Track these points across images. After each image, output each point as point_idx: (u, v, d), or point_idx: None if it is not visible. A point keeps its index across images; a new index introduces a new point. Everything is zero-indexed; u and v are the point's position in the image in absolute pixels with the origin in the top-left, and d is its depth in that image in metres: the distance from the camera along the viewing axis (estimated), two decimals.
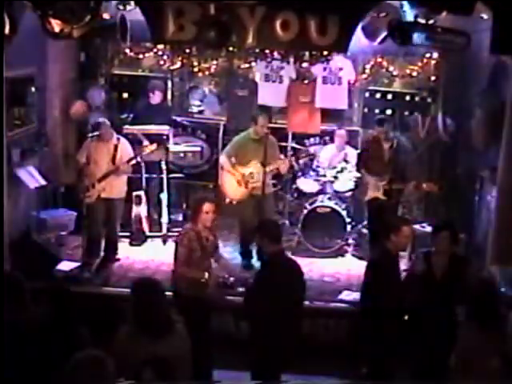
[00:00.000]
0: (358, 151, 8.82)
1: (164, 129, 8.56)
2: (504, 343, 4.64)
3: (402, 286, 5.76)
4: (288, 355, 5.45)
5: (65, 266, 7.66)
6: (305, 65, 8.83)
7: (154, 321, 4.32)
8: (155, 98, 8.95)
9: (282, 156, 8.21)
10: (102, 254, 7.88)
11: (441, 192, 8.10)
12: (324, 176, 8.72)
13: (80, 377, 3.41)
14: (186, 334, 4.46)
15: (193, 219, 5.96)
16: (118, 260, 8.04)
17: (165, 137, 8.51)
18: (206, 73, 9.47)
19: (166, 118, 9.01)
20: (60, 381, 3.49)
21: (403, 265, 6.52)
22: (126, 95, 9.70)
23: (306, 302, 7.10)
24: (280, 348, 5.35)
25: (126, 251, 8.29)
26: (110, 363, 3.51)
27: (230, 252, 8.15)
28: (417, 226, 8.39)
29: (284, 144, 9.02)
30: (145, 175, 8.56)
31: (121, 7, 7.29)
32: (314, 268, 8.10)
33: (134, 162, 7.86)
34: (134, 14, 7.33)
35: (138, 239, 8.57)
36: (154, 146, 8.05)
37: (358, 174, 8.40)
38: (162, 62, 9.31)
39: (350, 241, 8.69)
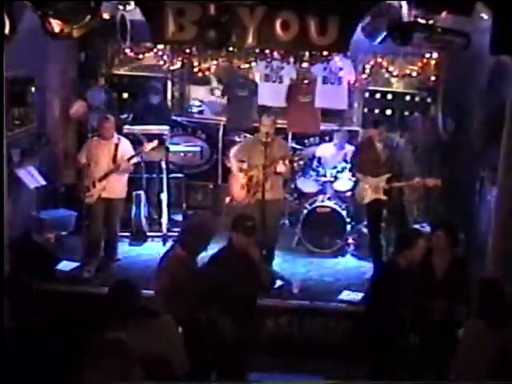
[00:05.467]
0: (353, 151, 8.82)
1: (164, 129, 8.56)
2: (507, 343, 4.64)
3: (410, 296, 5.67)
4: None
5: (65, 266, 7.68)
6: (305, 65, 8.85)
7: (133, 313, 4.32)
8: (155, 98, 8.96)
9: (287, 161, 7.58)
10: (101, 254, 7.88)
11: (443, 188, 8.06)
12: (324, 176, 8.72)
13: (105, 357, 3.46)
14: (174, 322, 4.47)
15: None
16: (118, 260, 8.04)
17: (165, 137, 8.52)
18: (206, 73, 9.48)
19: (166, 118, 9.00)
20: (85, 361, 3.51)
21: None
22: (125, 95, 9.72)
23: (306, 302, 7.21)
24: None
25: (125, 251, 8.29)
26: (131, 345, 3.54)
27: None
28: (417, 226, 8.41)
29: None
30: (145, 175, 8.56)
31: (121, 7, 7.30)
32: (313, 268, 8.11)
33: (134, 160, 7.84)
34: (134, 13, 7.34)
35: (138, 239, 8.57)
36: (155, 142, 7.99)
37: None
38: (161, 62, 9.30)
39: (350, 241, 8.69)
